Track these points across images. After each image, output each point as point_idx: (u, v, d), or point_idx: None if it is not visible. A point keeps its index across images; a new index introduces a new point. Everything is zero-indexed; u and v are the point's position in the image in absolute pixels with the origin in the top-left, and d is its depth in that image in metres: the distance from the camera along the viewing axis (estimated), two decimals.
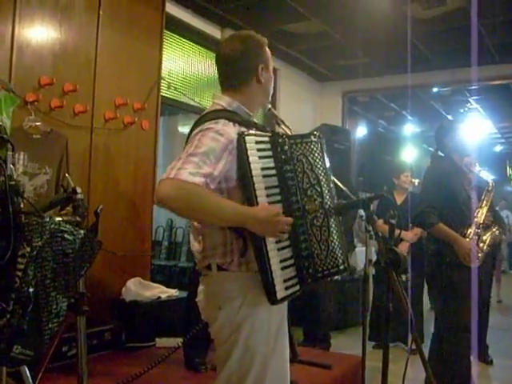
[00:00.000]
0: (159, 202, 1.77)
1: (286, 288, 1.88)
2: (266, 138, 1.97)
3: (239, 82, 2.08)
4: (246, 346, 1.92)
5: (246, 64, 2.07)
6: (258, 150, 1.91)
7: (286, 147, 1.98)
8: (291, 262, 1.92)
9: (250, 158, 1.87)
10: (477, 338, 5.09)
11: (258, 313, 1.92)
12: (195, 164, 1.77)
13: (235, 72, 2.09)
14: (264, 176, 1.90)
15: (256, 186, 1.86)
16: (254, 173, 1.86)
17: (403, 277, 5.17)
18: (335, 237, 1.97)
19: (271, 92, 2.16)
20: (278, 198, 1.93)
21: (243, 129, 1.96)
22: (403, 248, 5.15)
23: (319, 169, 2.00)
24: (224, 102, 2.06)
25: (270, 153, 1.95)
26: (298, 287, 1.94)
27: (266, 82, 2.10)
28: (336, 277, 2.04)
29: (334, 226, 1.98)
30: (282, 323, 2.09)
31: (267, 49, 2.13)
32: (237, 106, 2.05)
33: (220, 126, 1.89)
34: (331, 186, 2.04)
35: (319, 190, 1.97)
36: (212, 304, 2.01)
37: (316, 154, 2.01)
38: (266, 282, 1.84)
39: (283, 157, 1.96)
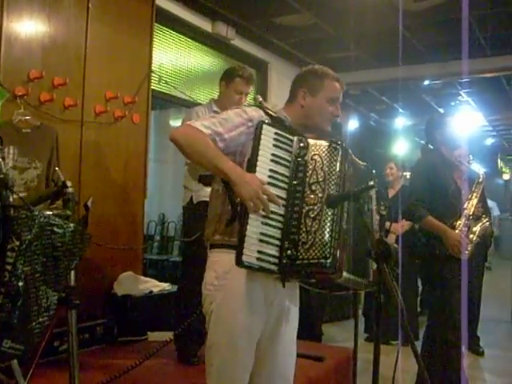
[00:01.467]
0: (170, 137, 2.07)
1: (258, 259, 1.95)
2: (289, 136, 2.12)
3: (291, 99, 2.35)
4: (217, 315, 2.08)
5: (293, 86, 2.36)
6: (275, 139, 2.07)
7: (303, 145, 2.12)
8: (275, 241, 1.99)
9: (262, 141, 2.02)
10: (467, 330, 5.15)
11: (232, 286, 2.06)
12: (211, 122, 2.09)
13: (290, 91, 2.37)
14: (272, 161, 2.05)
15: (259, 163, 2.01)
16: (260, 153, 2.02)
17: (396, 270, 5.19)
18: (326, 232, 1.99)
19: (322, 122, 2.29)
20: (283, 185, 2.06)
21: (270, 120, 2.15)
22: (391, 240, 5.18)
23: (329, 169, 2.08)
24: (270, 105, 2.33)
25: (288, 147, 2.10)
26: (273, 267, 1.99)
27: (309, 107, 2.29)
28: (322, 275, 2.03)
29: (328, 222, 2.01)
30: (279, 323, 2.19)
31: (330, 79, 2.33)
32: (279, 109, 2.30)
33: (249, 108, 2.19)
34: (341, 188, 2.08)
35: (323, 186, 2.05)
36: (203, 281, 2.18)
37: (331, 157, 2.10)
38: (238, 242, 1.94)
39: (299, 152, 2.11)
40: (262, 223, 1.98)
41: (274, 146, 2.06)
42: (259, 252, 1.95)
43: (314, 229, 1.99)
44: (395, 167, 5.85)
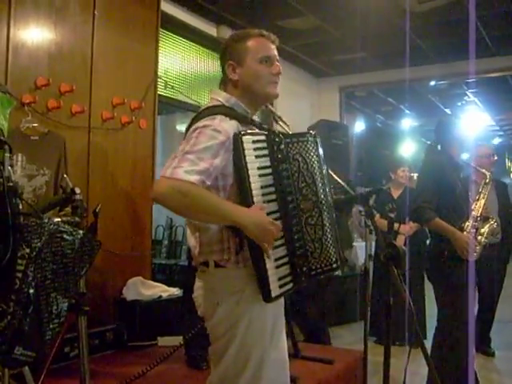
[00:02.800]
0: (155, 200, 1.80)
1: (280, 286, 1.89)
2: (263, 137, 1.95)
3: (224, 79, 2.10)
4: (242, 341, 1.91)
5: (221, 62, 2.10)
6: (255, 149, 1.89)
7: (282, 146, 1.96)
8: (285, 260, 1.92)
9: (247, 158, 1.86)
10: (480, 331, 5.12)
11: (255, 308, 1.92)
12: (191, 162, 1.77)
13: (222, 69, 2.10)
14: (260, 175, 1.89)
15: (252, 185, 1.86)
16: (250, 172, 1.86)
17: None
18: (329, 235, 1.98)
19: (263, 84, 2.03)
20: (274, 196, 1.92)
21: (240, 125, 1.94)
22: (400, 242, 5.16)
23: (315, 168, 2.00)
24: (221, 97, 2.04)
25: (266, 152, 1.93)
26: (291, 285, 1.94)
27: (243, 78, 2.03)
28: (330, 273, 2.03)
29: (328, 224, 1.99)
30: (279, 319, 2.09)
31: (251, 39, 2.05)
32: (234, 101, 2.02)
33: (217, 121, 1.87)
34: (327, 184, 2.04)
35: (314, 189, 1.98)
36: (210, 300, 2.00)
37: (312, 153, 2.01)
38: (261, 280, 1.85)
39: (279, 156, 1.95)
40: (273, 247, 1.88)
41: (256, 156, 1.89)
42: (279, 279, 1.89)
43: (318, 236, 1.95)
44: (407, 169, 5.84)
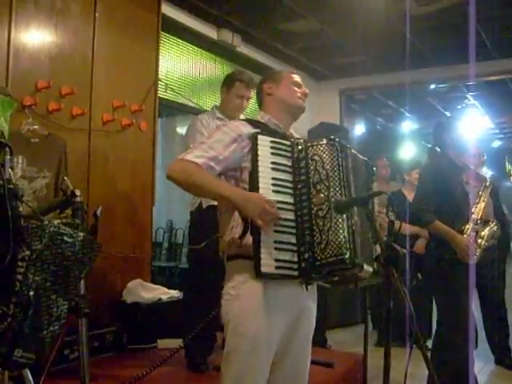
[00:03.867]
0: (167, 177, 2.10)
1: (277, 267, 1.99)
2: (285, 142, 2.18)
3: (259, 100, 2.46)
4: (233, 325, 2.09)
5: (258, 89, 2.47)
6: (272, 147, 2.13)
7: (301, 148, 2.17)
8: (291, 247, 2.03)
9: (259, 152, 2.08)
10: (497, 342, 5.09)
11: (249, 296, 2.08)
12: (202, 150, 2.12)
13: (257, 98, 2.48)
14: (273, 169, 2.10)
15: (261, 174, 2.06)
16: (260, 163, 2.07)
17: (418, 276, 5.14)
18: (340, 228, 2.02)
19: (293, 99, 2.38)
20: (289, 190, 2.11)
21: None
22: (421, 246, 5.00)
23: (331, 166, 2.12)
24: (259, 115, 2.38)
25: (287, 153, 2.16)
26: (295, 273, 2.03)
27: (279, 93, 2.38)
28: (343, 271, 2.05)
29: (338, 218, 2.03)
30: (297, 324, 2.20)
31: (289, 73, 2.47)
32: (268, 118, 2.34)
33: (236, 123, 2.25)
34: (344, 183, 2.12)
35: (327, 184, 2.09)
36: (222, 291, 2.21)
37: (330, 155, 2.14)
38: (255, 254, 1.97)
39: (297, 156, 2.16)
40: (274, 231, 2.01)
41: (272, 154, 2.12)
42: (277, 260, 1.99)
43: (326, 227, 2.02)
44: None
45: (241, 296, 2.09)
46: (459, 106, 9.90)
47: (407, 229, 4.74)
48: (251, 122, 2.28)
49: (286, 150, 2.16)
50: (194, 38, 6.06)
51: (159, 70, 5.09)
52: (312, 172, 2.12)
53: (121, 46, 4.62)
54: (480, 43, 6.24)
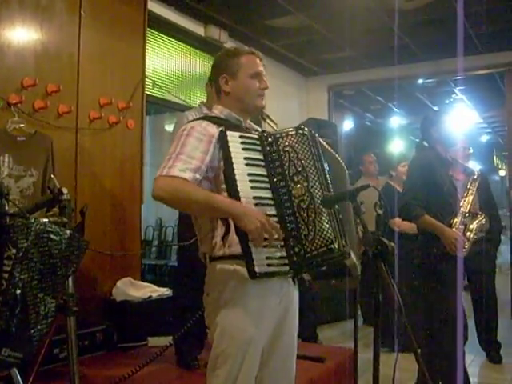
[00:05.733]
0: (154, 197, 1.99)
1: (269, 265, 1.96)
2: (253, 135, 2.14)
3: (217, 89, 2.30)
4: (222, 330, 2.05)
5: (213, 77, 2.31)
6: (242, 143, 2.08)
7: (271, 140, 2.13)
8: (278, 242, 1.99)
9: (231, 149, 2.03)
10: (488, 334, 5.10)
11: (238, 298, 2.04)
12: (184, 161, 1.99)
13: (215, 87, 2.33)
14: (247, 165, 2.04)
15: (236, 171, 2.00)
16: (234, 160, 2.02)
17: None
18: (323, 217, 2.01)
19: (252, 99, 2.24)
20: (266, 185, 2.06)
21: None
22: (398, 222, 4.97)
23: (305, 156, 2.10)
24: (217, 110, 2.26)
25: (257, 147, 2.12)
26: (286, 268, 2.01)
27: (234, 90, 2.24)
28: (332, 261, 2.04)
29: (322, 207, 2.03)
30: (284, 319, 2.19)
31: (244, 56, 2.25)
32: (227, 113, 2.23)
33: (204, 125, 2.10)
34: (321, 172, 2.10)
35: (305, 175, 2.07)
36: (204, 291, 2.16)
37: (302, 144, 2.12)
38: (246, 255, 1.94)
39: (269, 148, 2.12)
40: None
41: (244, 149, 2.06)
42: (268, 258, 1.96)
43: (311, 218, 2.01)
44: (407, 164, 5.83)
45: (229, 297, 2.04)
46: (447, 101, 9.93)
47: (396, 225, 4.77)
48: (212, 120, 2.16)
49: (255, 144, 2.11)
50: (181, 35, 6.03)
51: (146, 67, 5.06)
52: (286, 164, 2.08)
53: (107, 43, 4.59)
54: (467, 38, 6.27)
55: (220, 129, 2.07)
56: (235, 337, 2.03)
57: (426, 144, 3.85)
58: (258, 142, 2.11)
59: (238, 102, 2.24)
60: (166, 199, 1.97)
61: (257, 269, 1.92)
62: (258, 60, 2.26)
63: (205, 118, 2.19)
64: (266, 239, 1.93)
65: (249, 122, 2.32)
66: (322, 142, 2.25)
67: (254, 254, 1.93)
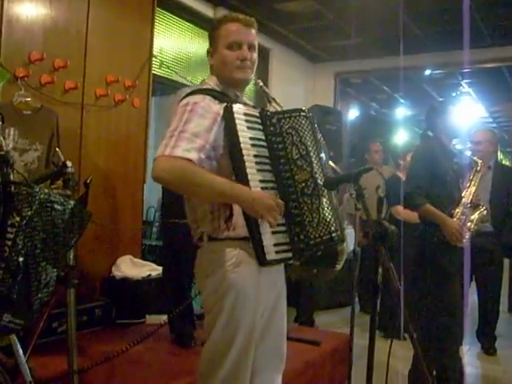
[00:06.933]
0: (155, 178, 1.85)
1: (277, 252, 1.93)
2: (256, 113, 2.04)
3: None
4: (230, 313, 1.96)
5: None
6: (246, 121, 1.97)
7: (275, 121, 2.05)
8: (283, 228, 1.96)
9: (238, 127, 1.93)
10: (485, 327, 5.13)
11: (244, 282, 1.97)
12: (188, 140, 1.86)
13: None
14: (253, 145, 1.96)
15: (244, 152, 1.92)
16: (241, 140, 1.92)
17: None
18: (326, 205, 2.00)
19: (230, 69, 2.09)
20: (268, 167, 1.99)
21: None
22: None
23: (308, 140, 2.05)
24: (212, 81, 2.13)
25: (259, 126, 2.02)
26: (290, 254, 1.98)
27: (215, 63, 2.14)
28: (330, 248, 2.05)
29: (325, 194, 2.01)
30: (277, 300, 2.18)
31: (224, 25, 2.10)
32: (224, 86, 2.11)
33: (207, 101, 1.96)
34: (322, 156, 2.08)
35: (308, 160, 2.02)
36: (201, 273, 2.06)
37: (305, 127, 2.06)
38: (256, 243, 1.89)
39: (272, 129, 2.03)
40: None
41: (248, 128, 1.96)
42: (275, 245, 1.93)
43: (315, 205, 1.98)
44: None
45: (236, 284, 1.95)
46: (453, 94, 9.88)
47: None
48: (212, 94, 2.01)
49: (257, 123, 2.01)
50: (190, 16, 6.01)
51: (154, 46, 5.05)
52: (289, 147, 2.02)
53: (115, 20, 4.58)
54: (476, 30, 6.24)
55: (224, 105, 1.96)
56: (242, 323, 1.97)
57: (430, 134, 3.85)
58: (259, 121, 2.02)
59: (218, 75, 2.13)
60: (168, 181, 1.87)
61: (267, 256, 1.89)
62: (242, 27, 2.09)
63: (203, 90, 2.05)
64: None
65: (245, 99, 2.24)
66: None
67: (265, 240, 1.89)
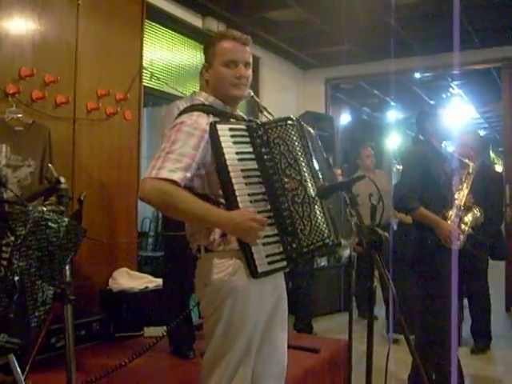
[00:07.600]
0: (141, 199, 1.92)
1: (269, 263, 1.96)
2: (242, 126, 2.08)
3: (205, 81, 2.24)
4: (228, 322, 2.00)
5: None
6: (232, 136, 2.01)
7: (261, 132, 2.08)
8: (275, 239, 2.00)
9: (223, 144, 1.97)
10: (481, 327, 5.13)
11: (241, 290, 2.00)
12: (174, 160, 1.91)
13: None
14: (240, 160, 2.00)
15: (230, 168, 1.96)
16: (227, 157, 1.97)
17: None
18: (318, 212, 2.01)
19: (226, 86, 2.14)
20: (257, 179, 2.03)
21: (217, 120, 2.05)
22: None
23: (296, 148, 2.07)
24: (202, 97, 2.18)
25: (246, 139, 2.06)
26: (284, 263, 2.02)
27: (211, 79, 2.17)
28: (327, 253, 2.08)
29: (317, 201, 2.03)
30: (276, 306, 2.20)
31: (220, 43, 2.14)
32: (213, 99, 2.15)
33: (194, 117, 2.01)
34: (313, 164, 2.09)
35: (297, 168, 2.05)
36: (200, 283, 2.11)
37: (292, 136, 2.09)
38: (247, 256, 1.94)
39: (259, 141, 2.07)
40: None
41: (234, 143, 2.00)
42: (267, 256, 1.96)
43: (306, 213, 2.00)
44: None
45: (230, 288, 2.00)
46: (444, 96, 9.94)
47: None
48: (200, 108, 2.07)
49: (244, 136, 2.05)
50: (178, 27, 6.02)
51: (144, 58, 5.06)
52: (278, 157, 2.05)
53: (105, 34, 4.59)
54: (464, 32, 6.27)
55: (210, 120, 2.01)
56: (242, 330, 2.00)
57: (421, 137, 3.87)
58: (246, 134, 2.07)
59: (214, 91, 2.16)
60: (153, 203, 1.93)
61: (259, 268, 1.93)
62: (239, 45, 2.14)
63: (192, 106, 2.11)
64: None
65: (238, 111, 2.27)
66: (309, 129, 2.23)
67: (255, 254, 1.93)
